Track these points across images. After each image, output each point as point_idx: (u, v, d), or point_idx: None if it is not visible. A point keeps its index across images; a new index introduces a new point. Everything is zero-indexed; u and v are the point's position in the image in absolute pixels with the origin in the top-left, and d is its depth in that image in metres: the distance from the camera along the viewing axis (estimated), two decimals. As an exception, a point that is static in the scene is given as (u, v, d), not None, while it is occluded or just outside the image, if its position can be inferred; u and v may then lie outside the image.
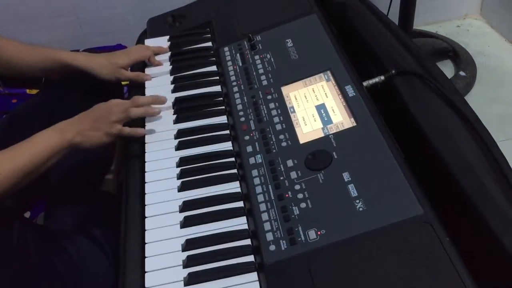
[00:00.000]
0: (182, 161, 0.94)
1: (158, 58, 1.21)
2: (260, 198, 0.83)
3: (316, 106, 0.95)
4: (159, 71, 1.18)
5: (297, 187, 0.82)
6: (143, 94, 1.12)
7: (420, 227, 0.71)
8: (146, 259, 0.79)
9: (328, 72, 1.00)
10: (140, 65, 1.20)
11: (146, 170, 0.94)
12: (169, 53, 1.22)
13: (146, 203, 0.88)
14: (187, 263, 0.78)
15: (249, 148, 0.92)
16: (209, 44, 1.25)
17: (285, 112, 0.96)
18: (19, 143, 0.90)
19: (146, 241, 0.82)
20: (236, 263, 0.77)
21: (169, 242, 0.81)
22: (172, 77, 1.15)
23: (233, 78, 1.09)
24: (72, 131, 0.93)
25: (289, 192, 0.82)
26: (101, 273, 0.95)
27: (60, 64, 1.13)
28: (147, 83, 1.15)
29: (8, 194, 0.88)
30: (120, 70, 1.14)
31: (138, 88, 1.15)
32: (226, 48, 1.18)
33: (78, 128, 0.94)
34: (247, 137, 0.94)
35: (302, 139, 0.90)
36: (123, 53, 1.18)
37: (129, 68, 1.18)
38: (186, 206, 0.86)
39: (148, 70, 1.19)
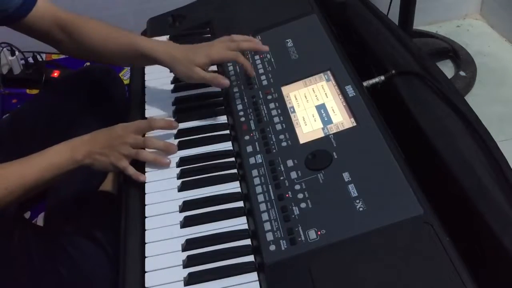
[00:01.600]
0: (182, 161, 0.94)
1: None
2: (260, 198, 0.83)
3: (316, 106, 0.95)
4: (159, 70, 1.18)
5: (297, 187, 0.82)
6: (143, 94, 1.12)
7: (420, 227, 0.71)
8: (146, 259, 0.79)
9: (328, 72, 1.00)
10: (141, 68, 1.20)
11: (146, 170, 0.93)
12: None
13: (146, 203, 0.88)
14: (187, 263, 0.78)
15: (249, 148, 0.92)
16: (209, 44, 1.24)
17: (285, 112, 0.96)
18: (27, 157, 0.88)
19: (146, 241, 0.82)
20: (236, 263, 0.77)
21: (169, 242, 0.81)
22: (172, 76, 1.15)
23: (233, 78, 1.09)
24: (82, 152, 0.89)
25: (289, 192, 0.82)
26: (102, 274, 0.95)
27: (140, 54, 1.03)
28: (147, 83, 1.14)
29: (10, 206, 0.87)
30: (195, 68, 0.99)
31: (138, 87, 1.15)
32: (226, 48, 1.18)
33: (89, 149, 0.89)
34: (247, 137, 0.94)
35: (302, 139, 0.90)
36: (202, 50, 1.01)
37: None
38: (186, 206, 0.86)
39: (148, 69, 1.19)
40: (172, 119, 1.02)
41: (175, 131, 1.00)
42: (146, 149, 0.93)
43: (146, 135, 0.96)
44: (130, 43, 1.03)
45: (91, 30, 1.05)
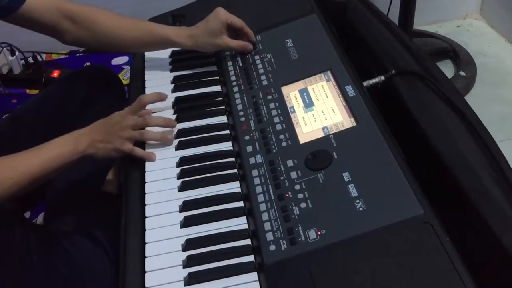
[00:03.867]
0: (182, 161, 0.94)
1: (157, 59, 1.20)
2: (260, 198, 0.83)
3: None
4: (159, 70, 1.18)
5: (297, 187, 0.82)
6: (143, 94, 1.12)
7: (420, 227, 0.71)
8: (146, 259, 0.79)
9: (328, 72, 1.00)
10: (140, 68, 1.20)
11: (146, 170, 0.94)
12: (169, 52, 1.22)
13: (146, 203, 0.88)
14: (187, 263, 0.78)
15: (249, 148, 0.92)
16: (209, 44, 1.24)
17: (285, 112, 0.96)
18: (32, 149, 0.90)
19: (146, 241, 0.82)
20: (236, 263, 0.77)
21: (169, 242, 0.81)
22: (172, 76, 1.15)
23: (233, 78, 1.09)
24: (85, 142, 0.91)
25: (289, 192, 0.82)
26: (102, 273, 0.95)
27: (161, 39, 1.10)
28: (147, 83, 1.15)
29: (14, 197, 0.88)
30: (218, 38, 1.08)
31: (137, 87, 1.15)
32: (226, 48, 1.18)
33: (91, 139, 0.92)
34: (247, 137, 0.94)
35: (302, 139, 0.90)
36: (211, 18, 1.09)
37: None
38: (186, 206, 0.86)
39: (148, 69, 1.19)
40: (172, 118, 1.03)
41: (175, 130, 1.00)
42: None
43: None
44: (147, 28, 1.10)
45: (103, 17, 1.09)
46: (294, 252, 0.74)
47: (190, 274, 0.76)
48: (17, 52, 1.79)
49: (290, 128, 0.92)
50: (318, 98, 0.97)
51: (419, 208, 0.73)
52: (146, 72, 1.18)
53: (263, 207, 0.81)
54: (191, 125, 1.01)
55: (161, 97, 1.02)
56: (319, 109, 0.94)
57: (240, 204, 0.86)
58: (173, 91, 1.12)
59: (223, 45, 1.10)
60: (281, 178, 0.84)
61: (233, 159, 0.94)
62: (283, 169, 0.85)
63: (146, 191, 0.90)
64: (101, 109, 1.21)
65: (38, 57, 1.86)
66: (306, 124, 0.92)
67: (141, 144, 0.97)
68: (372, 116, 0.89)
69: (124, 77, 1.85)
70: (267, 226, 0.79)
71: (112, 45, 1.13)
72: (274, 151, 0.90)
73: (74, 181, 1.12)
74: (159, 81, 1.15)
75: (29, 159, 0.89)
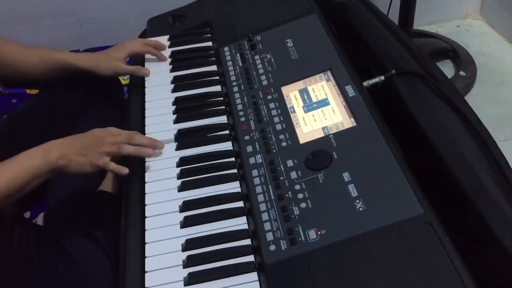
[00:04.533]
0: (182, 161, 0.94)
1: (157, 59, 1.20)
2: (260, 198, 0.83)
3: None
4: (159, 70, 1.18)
5: (297, 187, 0.82)
6: (143, 94, 1.12)
7: (420, 227, 0.71)
8: (146, 259, 0.79)
9: (328, 72, 1.00)
10: (140, 62, 1.20)
11: (146, 170, 0.94)
12: (169, 52, 1.22)
13: (146, 203, 0.88)
14: (187, 263, 0.78)
15: (249, 148, 0.92)
16: (209, 44, 1.25)
17: (285, 112, 0.96)
18: (1, 163, 0.86)
19: (146, 241, 0.82)
20: (236, 263, 0.77)
21: (169, 242, 0.81)
22: (172, 76, 1.15)
23: (233, 78, 1.09)
24: (56, 154, 0.87)
25: (289, 192, 0.82)
26: (102, 274, 0.95)
27: (61, 64, 1.12)
28: (147, 83, 1.15)
29: None
30: (118, 63, 1.13)
31: (138, 87, 1.15)
32: (226, 48, 1.18)
33: (64, 151, 0.88)
34: (247, 137, 0.94)
35: (302, 139, 0.90)
36: (119, 46, 1.18)
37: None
38: (186, 206, 0.86)
39: (148, 69, 1.18)
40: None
41: (175, 131, 1.00)
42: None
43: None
44: (49, 55, 1.12)
45: (8, 47, 1.10)
46: (294, 252, 0.74)
47: (190, 274, 0.76)
48: (17, 52, 1.79)
49: (290, 128, 0.92)
50: (318, 98, 0.97)
51: (419, 208, 0.73)
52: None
53: (263, 207, 0.81)
54: (191, 125, 1.02)
55: (156, 145, 0.96)
56: (319, 109, 0.94)
57: (240, 204, 0.86)
58: (173, 91, 1.12)
59: (122, 70, 1.15)
60: (281, 178, 0.84)
61: (233, 159, 0.94)
62: (283, 169, 0.85)
63: (146, 191, 0.90)
64: (99, 109, 1.22)
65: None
66: (306, 124, 0.92)
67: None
68: (372, 116, 0.89)
69: (124, 77, 1.84)
70: (267, 226, 0.79)
71: (16, 74, 1.14)
72: (274, 151, 0.90)
73: (73, 181, 1.12)
74: (159, 81, 1.15)
75: None
